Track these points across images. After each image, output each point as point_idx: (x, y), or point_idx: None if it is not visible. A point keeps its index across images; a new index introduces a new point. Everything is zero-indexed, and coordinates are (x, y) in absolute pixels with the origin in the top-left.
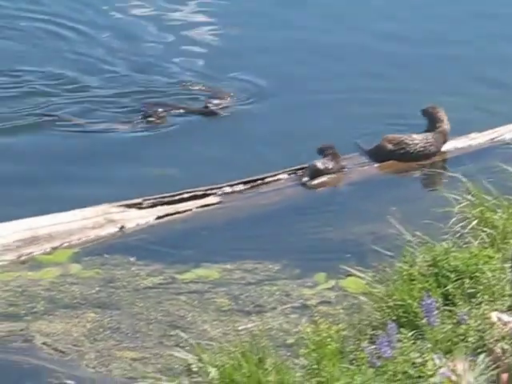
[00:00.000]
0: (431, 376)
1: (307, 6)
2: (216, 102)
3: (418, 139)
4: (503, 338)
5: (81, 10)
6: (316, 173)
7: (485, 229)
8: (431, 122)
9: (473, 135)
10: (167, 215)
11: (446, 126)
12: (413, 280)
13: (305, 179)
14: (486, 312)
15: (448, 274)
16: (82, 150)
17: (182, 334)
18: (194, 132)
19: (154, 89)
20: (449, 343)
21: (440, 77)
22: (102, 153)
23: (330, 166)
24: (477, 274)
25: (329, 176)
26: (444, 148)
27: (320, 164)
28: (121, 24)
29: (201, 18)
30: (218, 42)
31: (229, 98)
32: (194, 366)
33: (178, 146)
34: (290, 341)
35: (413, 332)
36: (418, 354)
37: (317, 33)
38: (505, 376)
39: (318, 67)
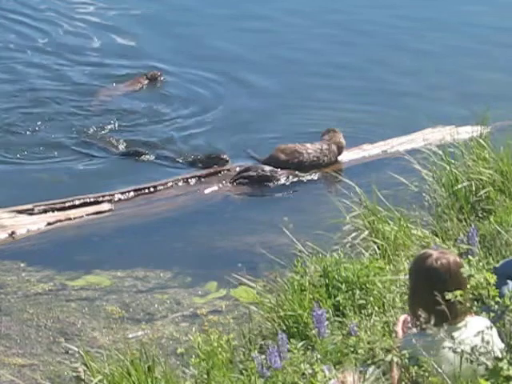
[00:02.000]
0: None
1: None
2: None
3: (311, 149)
4: (392, 349)
5: None
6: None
7: (376, 240)
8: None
9: (365, 146)
10: (58, 221)
11: (340, 137)
12: (303, 290)
13: None
14: (376, 323)
15: (339, 284)
16: None
17: (72, 342)
18: None
19: None
20: (339, 354)
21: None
22: None
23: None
24: (367, 286)
25: (221, 185)
26: (338, 158)
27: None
28: None
29: None
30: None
31: None
32: (82, 373)
33: None
34: (180, 350)
35: (303, 343)
36: (307, 365)
37: None
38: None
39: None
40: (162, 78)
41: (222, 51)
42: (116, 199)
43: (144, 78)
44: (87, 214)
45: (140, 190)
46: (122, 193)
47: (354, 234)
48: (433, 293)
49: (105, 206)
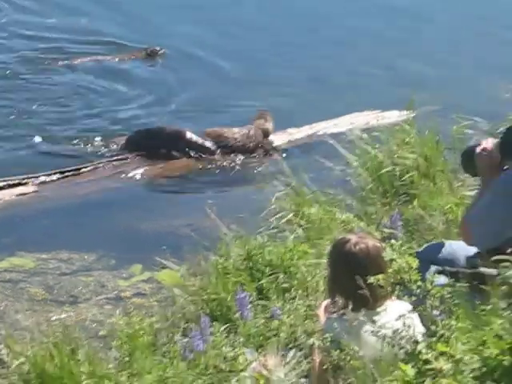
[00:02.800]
0: (242, 370)
1: None
2: None
3: (238, 133)
4: (314, 332)
5: None
6: None
7: (301, 223)
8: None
9: (290, 130)
10: None
11: (267, 123)
12: (227, 273)
13: None
14: (299, 307)
15: (262, 268)
16: None
17: None
18: None
19: None
20: (261, 338)
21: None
22: None
23: None
24: (291, 269)
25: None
26: (265, 142)
27: None
28: None
29: None
30: None
31: None
32: (4, 356)
33: None
34: (103, 332)
35: (226, 326)
36: (230, 348)
37: None
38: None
39: None
40: (161, 52)
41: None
42: (40, 181)
43: (142, 52)
44: (11, 196)
45: (64, 172)
46: (47, 175)
47: (278, 215)
48: (352, 278)
49: (29, 188)
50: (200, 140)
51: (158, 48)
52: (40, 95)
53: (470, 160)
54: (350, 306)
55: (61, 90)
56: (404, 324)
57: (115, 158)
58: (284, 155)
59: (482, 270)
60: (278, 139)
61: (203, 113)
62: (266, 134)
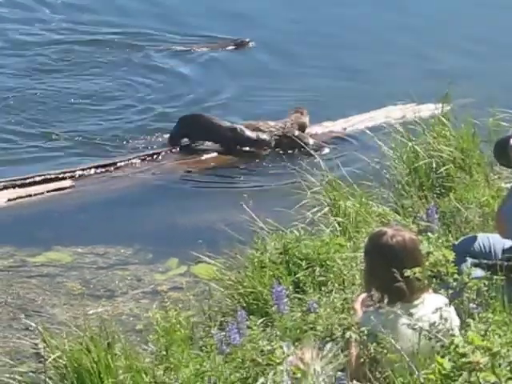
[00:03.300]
0: (279, 364)
1: None
2: None
3: (273, 127)
4: (351, 326)
5: None
6: None
7: (337, 217)
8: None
9: (326, 123)
10: (19, 198)
11: (304, 118)
12: (263, 267)
13: None
14: (335, 300)
15: (299, 261)
16: None
17: (32, 319)
18: None
19: None
20: (298, 331)
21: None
22: None
23: None
24: (327, 263)
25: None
26: (301, 136)
27: None
28: None
29: None
30: None
31: None
32: (41, 350)
33: None
34: (140, 326)
35: (262, 319)
36: (266, 342)
37: None
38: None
39: None
40: (249, 45)
41: None
42: (77, 175)
43: (231, 43)
44: (48, 191)
45: (100, 166)
46: (83, 169)
47: (314, 209)
48: (389, 270)
49: (66, 183)
50: (255, 134)
51: (247, 39)
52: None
53: (503, 151)
54: (386, 300)
55: (147, 78)
56: (441, 317)
57: (151, 152)
58: (319, 148)
59: None
60: (314, 131)
61: (242, 103)
62: (302, 128)
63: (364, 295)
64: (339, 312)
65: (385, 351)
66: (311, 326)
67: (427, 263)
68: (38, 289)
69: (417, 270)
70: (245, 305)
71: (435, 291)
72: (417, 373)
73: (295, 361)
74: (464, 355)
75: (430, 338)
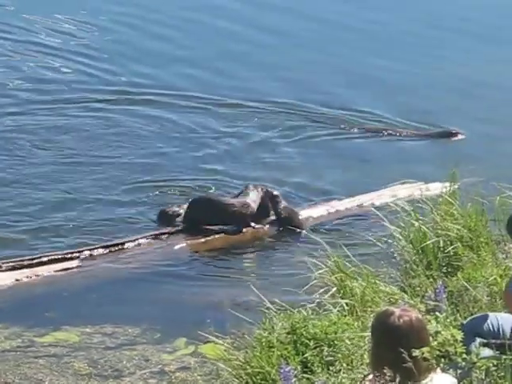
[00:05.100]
0: None
1: None
2: None
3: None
4: None
5: None
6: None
7: (344, 297)
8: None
9: (333, 203)
10: (26, 278)
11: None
12: (271, 347)
13: None
14: (344, 380)
15: (307, 341)
16: None
17: None
18: None
19: None
20: None
21: None
22: None
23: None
24: (336, 342)
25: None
26: (305, 215)
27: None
28: None
29: None
30: None
31: None
32: None
33: None
34: None
35: None
36: None
37: None
38: None
39: None
40: (456, 138)
41: None
42: (84, 256)
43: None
44: (55, 271)
45: (108, 246)
46: (90, 249)
47: (321, 291)
48: (396, 350)
49: (73, 263)
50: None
51: (453, 131)
52: None
53: None
54: (398, 379)
55: None
56: None
57: (157, 232)
58: (325, 227)
59: None
60: (320, 211)
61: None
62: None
63: (371, 376)
64: None
65: None
66: None
67: (436, 343)
68: (45, 369)
69: (425, 349)
70: None
71: (443, 371)
72: None
73: None
74: None
75: None
